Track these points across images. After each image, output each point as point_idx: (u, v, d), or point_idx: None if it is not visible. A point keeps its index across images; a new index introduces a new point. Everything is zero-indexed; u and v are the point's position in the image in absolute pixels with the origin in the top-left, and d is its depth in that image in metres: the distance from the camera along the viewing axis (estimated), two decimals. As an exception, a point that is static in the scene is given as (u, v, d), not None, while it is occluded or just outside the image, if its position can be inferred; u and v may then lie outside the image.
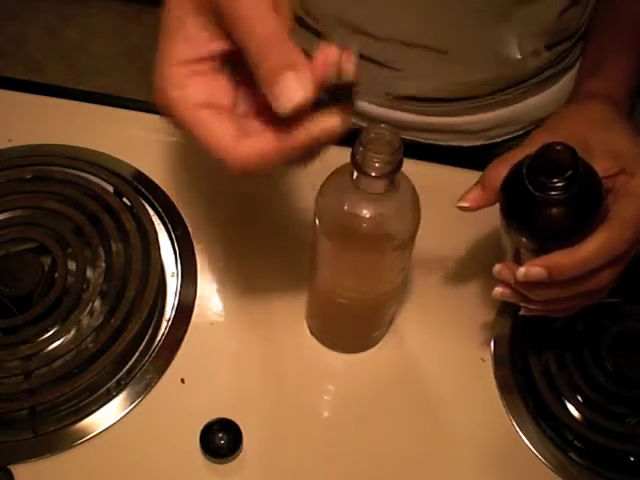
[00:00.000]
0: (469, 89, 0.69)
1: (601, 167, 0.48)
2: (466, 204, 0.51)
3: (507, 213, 0.48)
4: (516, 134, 0.75)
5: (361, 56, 0.66)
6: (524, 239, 0.48)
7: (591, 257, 0.47)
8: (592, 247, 0.46)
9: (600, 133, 0.51)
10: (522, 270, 0.48)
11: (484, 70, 0.68)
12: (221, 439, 0.53)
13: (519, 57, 0.68)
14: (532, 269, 0.47)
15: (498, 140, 0.75)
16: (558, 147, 0.45)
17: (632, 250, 0.48)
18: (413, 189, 0.50)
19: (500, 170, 0.49)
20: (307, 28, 0.68)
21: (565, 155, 0.45)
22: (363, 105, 0.70)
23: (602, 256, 0.47)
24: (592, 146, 0.50)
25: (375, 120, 0.70)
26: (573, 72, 0.75)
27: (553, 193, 0.45)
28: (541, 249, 0.47)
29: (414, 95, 0.69)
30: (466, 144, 0.74)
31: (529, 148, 0.48)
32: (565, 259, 0.47)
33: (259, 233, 0.65)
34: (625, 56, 0.63)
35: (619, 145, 0.50)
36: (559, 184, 0.44)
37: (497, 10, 0.63)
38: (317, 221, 0.51)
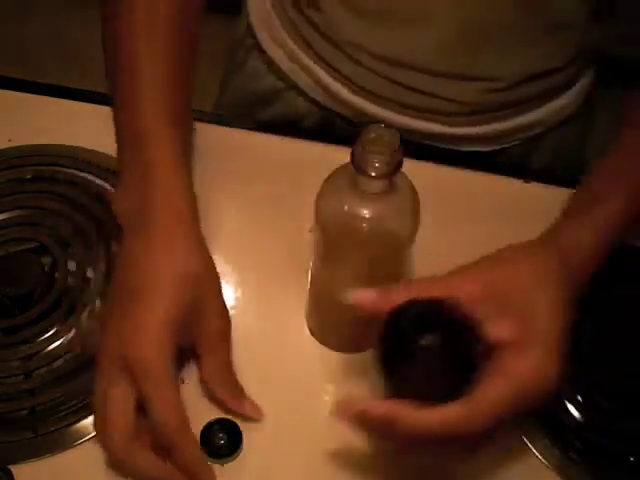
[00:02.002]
0: (488, 106, 0.70)
1: (502, 328, 0.45)
2: (356, 298, 0.48)
3: (379, 349, 0.46)
4: (529, 134, 0.75)
5: (382, 76, 0.68)
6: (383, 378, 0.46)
7: (432, 429, 0.43)
8: (438, 417, 0.43)
9: (522, 294, 0.46)
10: (360, 406, 0.45)
11: (509, 90, 0.68)
12: (221, 439, 0.53)
13: (539, 79, 0.68)
14: (368, 411, 0.45)
15: (510, 145, 0.75)
16: (421, 305, 0.44)
17: (486, 431, 0.44)
18: (413, 189, 0.50)
19: (400, 295, 0.46)
20: (332, 44, 0.69)
21: (427, 313, 0.43)
22: (382, 113, 0.71)
23: (448, 430, 0.43)
24: (508, 304, 0.46)
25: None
26: (592, 72, 0.74)
27: (412, 345, 0.43)
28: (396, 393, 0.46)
29: (434, 109, 0.69)
30: (483, 149, 0.74)
31: (444, 284, 0.47)
32: (406, 416, 0.44)
33: (258, 233, 0.65)
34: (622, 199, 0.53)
35: (536, 316, 0.46)
36: (419, 340, 0.43)
37: (530, 35, 0.64)
38: (317, 222, 0.51)
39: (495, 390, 0.44)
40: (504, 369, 0.44)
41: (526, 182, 0.70)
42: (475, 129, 0.71)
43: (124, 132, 0.58)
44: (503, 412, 0.44)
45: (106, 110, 0.71)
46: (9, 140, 0.68)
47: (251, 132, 0.72)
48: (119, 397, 0.50)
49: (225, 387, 0.54)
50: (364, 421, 0.46)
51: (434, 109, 0.69)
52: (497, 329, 0.45)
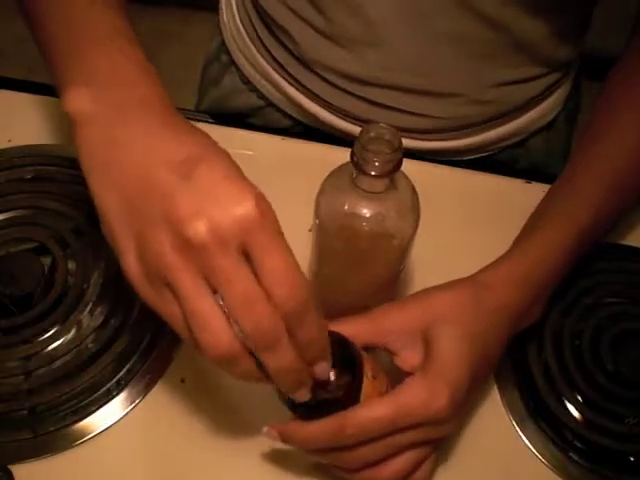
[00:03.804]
0: (467, 121, 0.70)
1: (409, 359, 0.49)
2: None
3: None
4: (515, 141, 0.75)
5: (355, 95, 0.68)
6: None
7: (312, 440, 0.47)
8: (314, 429, 0.46)
9: (432, 329, 0.49)
10: (264, 428, 0.49)
11: (481, 105, 0.69)
12: None
13: (519, 96, 0.69)
14: (270, 431, 0.48)
15: (496, 151, 0.75)
16: None
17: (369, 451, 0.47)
18: (413, 188, 0.50)
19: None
20: (302, 64, 0.69)
21: None
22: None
23: (323, 441, 0.47)
24: (419, 338, 0.49)
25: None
26: (572, 76, 0.75)
27: None
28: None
29: (412, 127, 0.70)
30: (466, 157, 0.74)
31: (368, 320, 0.50)
32: (292, 430, 0.48)
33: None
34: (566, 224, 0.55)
35: (436, 349, 0.48)
36: None
37: (498, 52, 0.64)
38: (317, 221, 0.51)
39: (370, 408, 0.46)
40: (392, 392, 0.47)
41: (526, 182, 0.70)
42: (453, 143, 0.72)
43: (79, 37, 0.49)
44: (377, 430, 0.46)
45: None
46: (9, 140, 0.68)
47: (251, 132, 0.72)
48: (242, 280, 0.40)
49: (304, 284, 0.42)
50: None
51: (410, 127, 0.69)
52: (405, 359, 0.49)
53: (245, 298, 0.40)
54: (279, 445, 0.50)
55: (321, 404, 0.46)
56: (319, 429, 0.46)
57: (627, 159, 0.57)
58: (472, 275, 0.52)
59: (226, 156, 0.43)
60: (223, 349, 0.41)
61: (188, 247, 0.39)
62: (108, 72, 0.46)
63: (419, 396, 0.46)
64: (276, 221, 0.41)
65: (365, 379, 0.47)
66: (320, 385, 0.45)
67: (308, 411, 0.47)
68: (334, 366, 0.46)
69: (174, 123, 0.45)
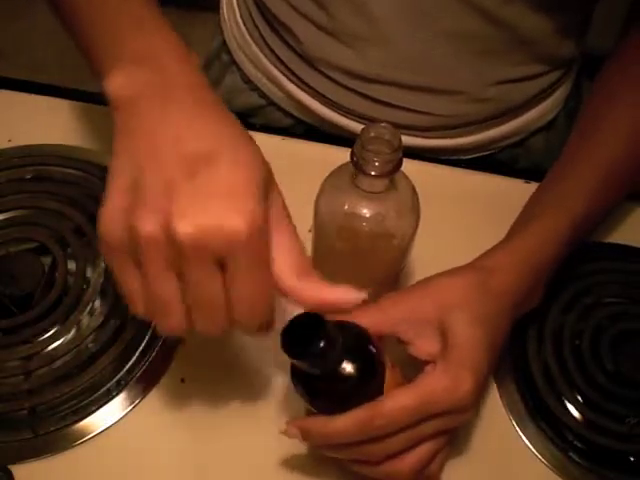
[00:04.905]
0: (468, 119, 0.70)
1: (425, 347, 0.48)
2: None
3: (291, 371, 0.47)
4: (515, 140, 0.75)
5: (357, 92, 0.68)
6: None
7: (339, 434, 0.46)
8: (342, 423, 0.45)
9: (443, 315, 0.48)
10: (282, 427, 0.48)
11: (482, 103, 0.69)
12: None
13: (518, 94, 0.69)
14: (290, 428, 0.48)
15: (496, 151, 0.75)
16: (302, 319, 0.43)
17: (394, 441, 0.46)
18: (413, 188, 0.50)
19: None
20: (301, 58, 0.69)
21: (311, 327, 0.42)
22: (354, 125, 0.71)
23: (351, 434, 0.46)
24: (432, 325, 0.48)
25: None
26: (573, 75, 0.75)
27: (305, 364, 0.44)
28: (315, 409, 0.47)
29: (413, 125, 0.69)
30: (467, 157, 0.74)
31: (375, 309, 0.49)
32: (316, 426, 0.47)
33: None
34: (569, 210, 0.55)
35: (452, 334, 0.48)
36: (307, 357, 0.43)
37: (499, 49, 0.64)
38: (317, 221, 0.51)
39: (396, 398, 0.46)
40: (416, 381, 0.47)
41: (526, 182, 0.70)
42: (454, 141, 0.72)
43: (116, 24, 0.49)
44: (404, 420, 0.45)
45: (106, 110, 0.71)
46: (9, 140, 0.68)
47: (251, 132, 0.71)
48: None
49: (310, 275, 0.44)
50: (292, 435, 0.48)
51: (410, 124, 0.69)
52: (420, 348, 0.49)
53: (202, 303, 0.41)
54: (297, 447, 0.50)
55: (344, 397, 0.45)
56: (348, 421, 0.45)
57: (623, 150, 0.58)
58: (472, 262, 0.52)
59: (245, 157, 0.43)
60: (177, 333, 0.43)
61: (168, 240, 0.40)
62: (147, 56, 0.46)
63: (443, 383, 0.46)
64: (263, 245, 0.41)
65: (387, 369, 0.47)
66: (342, 377, 0.45)
67: (330, 405, 0.46)
68: (354, 357, 0.45)
69: (206, 110, 0.45)
